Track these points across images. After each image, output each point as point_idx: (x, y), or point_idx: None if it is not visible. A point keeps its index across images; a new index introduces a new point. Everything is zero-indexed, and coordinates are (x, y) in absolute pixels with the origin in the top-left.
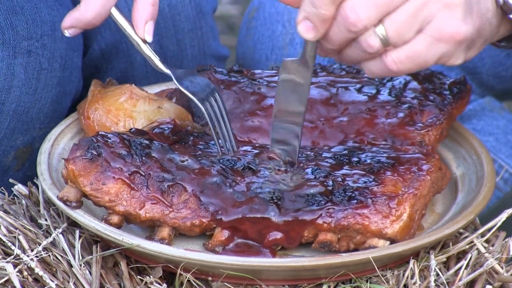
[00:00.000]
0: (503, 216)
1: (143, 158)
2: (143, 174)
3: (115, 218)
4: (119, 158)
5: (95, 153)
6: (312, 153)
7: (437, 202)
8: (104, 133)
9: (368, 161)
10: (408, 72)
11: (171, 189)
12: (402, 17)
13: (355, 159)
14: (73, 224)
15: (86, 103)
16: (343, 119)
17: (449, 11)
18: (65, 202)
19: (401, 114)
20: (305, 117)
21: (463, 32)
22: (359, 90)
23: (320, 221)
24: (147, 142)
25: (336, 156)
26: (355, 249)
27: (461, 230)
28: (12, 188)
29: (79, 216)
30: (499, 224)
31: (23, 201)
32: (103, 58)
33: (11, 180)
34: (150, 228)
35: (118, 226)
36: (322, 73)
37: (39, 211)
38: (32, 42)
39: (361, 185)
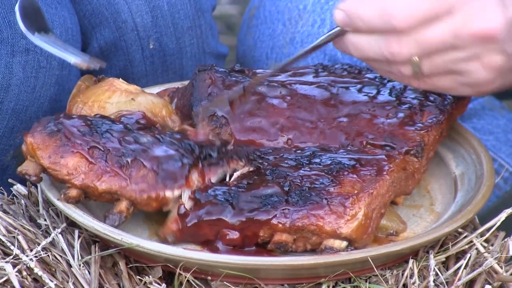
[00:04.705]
0: (503, 216)
1: (104, 135)
2: (102, 149)
3: (73, 192)
4: (79, 133)
5: (54, 128)
6: (272, 156)
7: (436, 201)
8: (67, 113)
9: (329, 162)
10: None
11: (130, 164)
12: (441, 62)
13: (316, 160)
14: (72, 224)
15: (70, 97)
16: (343, 119)
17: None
18: (24, 176)
19: (401, 114)
20: None
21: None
22: (359, 90)
23: (275, 221)
24: (109, 122)
25: (297, 158)
26: (312, 250)
27: (460, 230)
28: (11, 188)
29: (78, 216)
30: (498, 223)
31: (22, 201)
32: (102, 56)
33: (10, 180)
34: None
35: (76, 200)
36: (323, 73)
37: (38, 211)
38: (30, 41)
39: (318, 186)
